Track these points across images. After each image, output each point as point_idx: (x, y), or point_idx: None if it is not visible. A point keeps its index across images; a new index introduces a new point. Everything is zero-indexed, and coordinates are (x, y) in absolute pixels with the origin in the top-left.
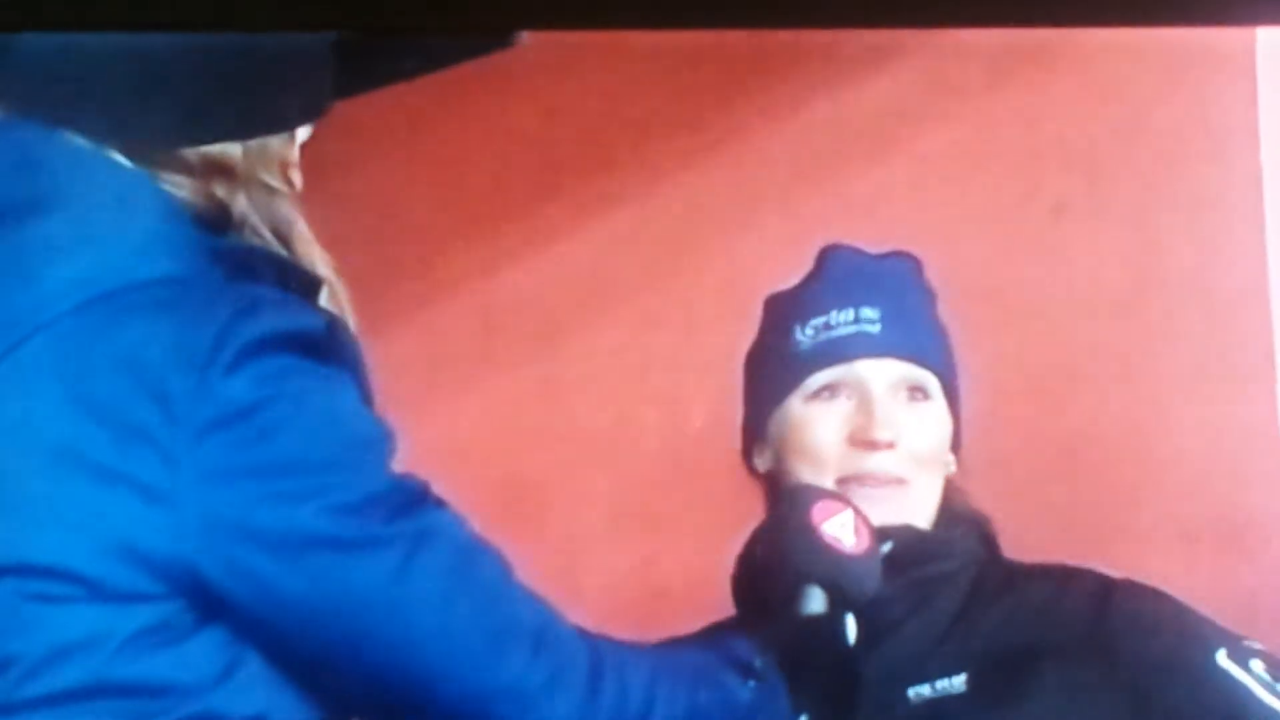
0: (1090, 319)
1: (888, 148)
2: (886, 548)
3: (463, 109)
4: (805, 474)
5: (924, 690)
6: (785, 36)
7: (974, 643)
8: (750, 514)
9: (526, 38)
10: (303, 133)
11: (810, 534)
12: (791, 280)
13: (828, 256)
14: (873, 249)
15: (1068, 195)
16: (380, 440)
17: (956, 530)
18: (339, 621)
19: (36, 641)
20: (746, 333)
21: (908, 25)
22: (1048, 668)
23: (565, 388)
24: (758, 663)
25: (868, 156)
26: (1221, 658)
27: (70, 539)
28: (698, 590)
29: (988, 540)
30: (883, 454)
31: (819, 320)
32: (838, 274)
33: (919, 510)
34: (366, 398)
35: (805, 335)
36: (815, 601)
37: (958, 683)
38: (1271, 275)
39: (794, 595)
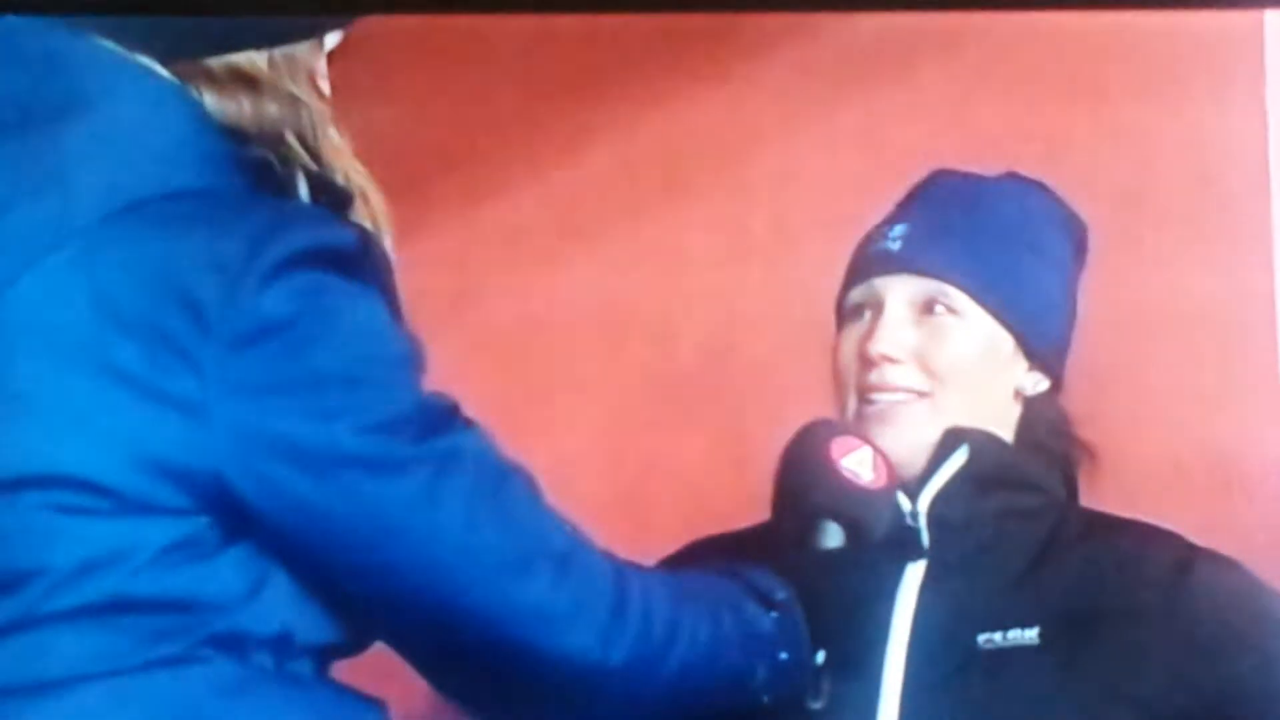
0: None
1: (881, 83)
2: (963, 453)
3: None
4: (839, 398)
5: (995, 638)
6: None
7: (1049, 593)
8: (739, 447)
9: None
10: (330, 40)
11: (828, 469)
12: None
13: (921, 180)
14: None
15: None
16: (410, 358)
17: (1038, 459)
18: (366, 540)
19: (62, 554)
20: (739, 266)
21: (874, 9)
22: (1121, 631)
23: (554, 322)
24: (780, 595)
25: (860, 90)
26: None
27: (97, 450)
28: (687, 525)
29: (1069, 480)
30: (888, 368)
31: (865, 240)
32: (908, 195)
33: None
34: (396, 313)
35: (853, 256)
36: (832, 536)
37: (1030, 635)
38: (1275, 218)
39: (811, 529)
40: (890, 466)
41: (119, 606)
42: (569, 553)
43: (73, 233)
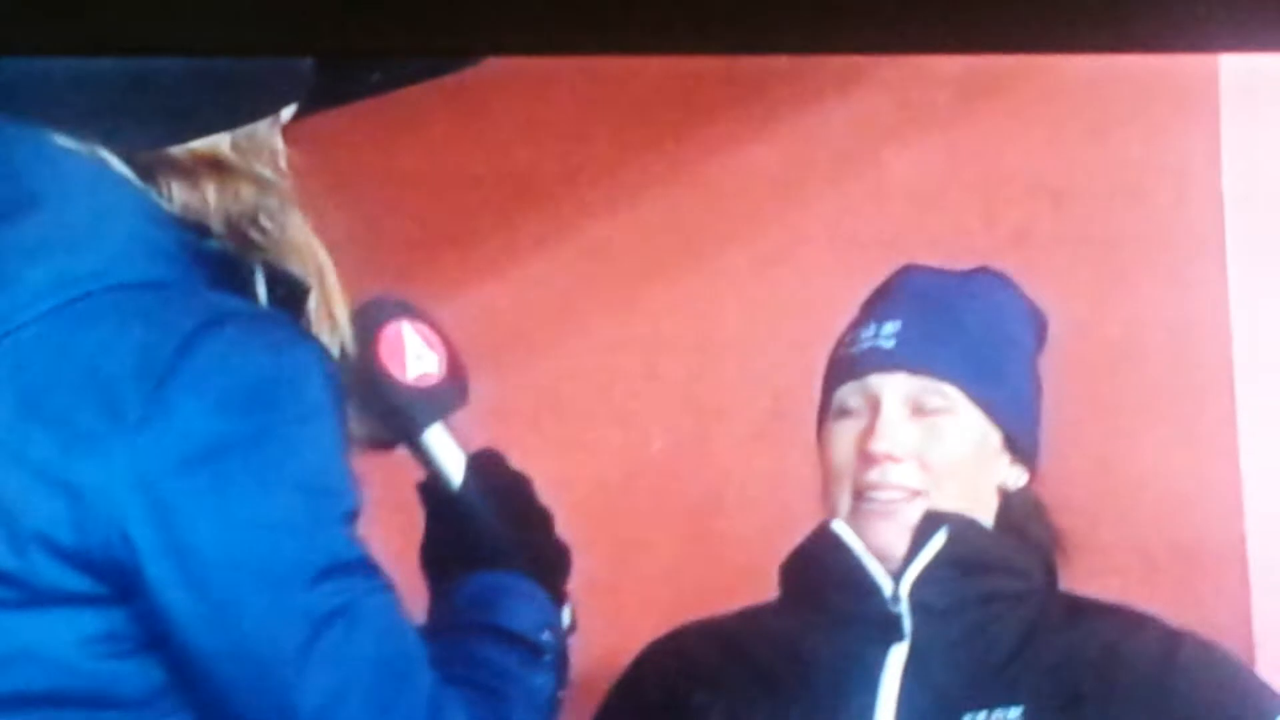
0: (1051, 345)
1: (851, 173)
2: (942, 535)
3: (432, 126)
4: (832, 494)
5: (979, 717)
6: (753, 61)
7: (1034, 675)
8: (710, 536)
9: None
10: (285, 114)
11: (394, 382)
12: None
13: (894, 275)
14: (955, 267)
15: (1030, 223)
16: (326, 495)
17: (1016, 544)
18: (231, 663)
19: None
20: (712, 355)
21: (876, 52)
22: (1107, 713)
23: (527, 407)
24: (545, 636)
25: (831, 182)
26: None
27: (4, 540)
28: (658, 613)
29: (1048, 565)
30: (888, 466)
31: (849, 338)
32: (884, 290)
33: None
34: (337, 426)
35: (837, 354)
36: (443, 444)
37: (1013, 714)
38: (1233, 303)
39: (424, 456)
40: (439, 332)
41: (34, 701)
42: None
43: (11, 330)
